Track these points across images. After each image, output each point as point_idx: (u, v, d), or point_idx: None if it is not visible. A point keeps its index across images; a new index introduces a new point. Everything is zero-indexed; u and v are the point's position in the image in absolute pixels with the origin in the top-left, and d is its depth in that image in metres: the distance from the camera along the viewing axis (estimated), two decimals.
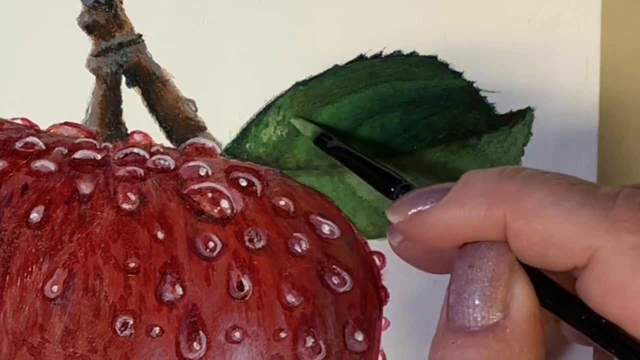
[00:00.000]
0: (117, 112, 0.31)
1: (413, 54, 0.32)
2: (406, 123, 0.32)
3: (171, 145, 0.31)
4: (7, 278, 0.27)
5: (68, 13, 0.30)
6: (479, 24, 0.32)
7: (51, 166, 0.29)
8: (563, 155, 0.33)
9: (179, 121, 0.31)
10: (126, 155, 0.30)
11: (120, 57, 0.31)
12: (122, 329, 0.27)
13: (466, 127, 0.32)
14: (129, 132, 0.31)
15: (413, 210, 0.24)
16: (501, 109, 0.32)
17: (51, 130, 0.30)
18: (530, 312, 0.22)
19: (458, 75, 0.32)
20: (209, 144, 0.31)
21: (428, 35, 0.32)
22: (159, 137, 0.31)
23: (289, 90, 0.31)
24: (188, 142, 0.31)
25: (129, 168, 0.29)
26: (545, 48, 0.32)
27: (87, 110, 0.31)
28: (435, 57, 0.32)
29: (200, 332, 0.28)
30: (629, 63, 0.33)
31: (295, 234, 0.30)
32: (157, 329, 0.27)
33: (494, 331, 0.21)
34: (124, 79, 0.31)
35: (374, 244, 0.32)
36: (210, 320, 0.28)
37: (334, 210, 0.31)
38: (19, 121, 0.30)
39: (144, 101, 0.31)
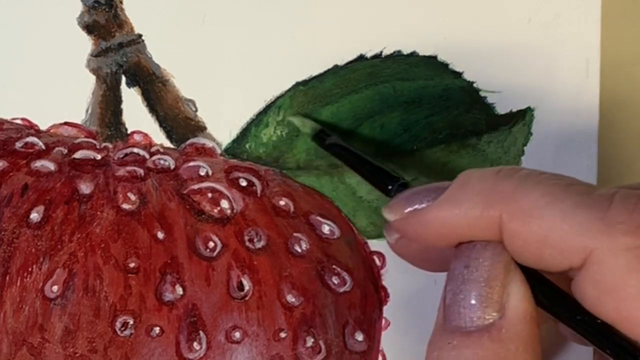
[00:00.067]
0: (117, 112, 0.31)
1: (413, 54, 0.32)
2: (406, 123, 0.32)
3: (171, 145, 0.31)
4: (7, 278, 0.27)
5: (68, 13, 0.30)
6: (479, 24, 0.32)
7: (51, 166, 0.29)
8: (563, 155, 0.33)
9: (179, 121, 0.31)
10: (126, 155, 0.30)
11: (120, 57, 0.31)
12: (122, 329, 0.27)
13: (466, 127, 0.32)
14: (129, 132, 0.31)
15: (409, 209, 0.24)
16: (501, 109, 0.32)
17: (51, 130, 0.30)
18: (526, 312, 0.22)
19: (458, 75, 0.32)
20: (209, 144, 0.31)
21: (428, 35, 0.32)
22: (159, 137, 0.31)
23: (289, 90, 0.31)
24: (188, 142, 0.31)
25: (129, 168, 0.29)
26: (545, 48, 0.32)
27: (87, 110, 0.31)
28: (435, 57, 0.32)
29: (200, 332, 0.28)
30: (629, 63, 0.33)
31: (295, 234, 0.30)
32: (157, 329, 0.27)
33: (489, 331, 0.21)
34: (124, 79, 0.31)
35: (374, 244, 0.32)
36: (210, 320, 0.28)
37: (334, 210, 0.31)
38: (19, 121, 0.30)
39: (144, 101, 0.31)
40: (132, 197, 0.29)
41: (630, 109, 0.33)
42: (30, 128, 0.30)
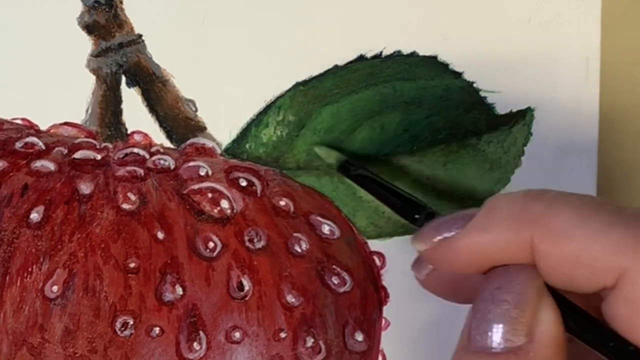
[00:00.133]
0: (117, 112, 0.31)
1: (413, 54, 0.32)
2: (406, 123, 0.32)
3: (171, 145, 0.31)
4: (7, 278, 0.27)
5: (68, 13, 0.30)
6: (479, 24, 0.32)
7: (51, 166, 0.29)
8: (563, 155, 0.33)
9: (179, 121, 0.31)
10: (126, 155, 0.30)
11: (120, 57, 0.31)
12: (122, 329, 0.27)
13: (466, 127, 0.32)
14: (129, 132, 0.31)
15: (439, 237, 0.24)
16: (501, 109, 0.32)
17: (51, 130, 0.30)
18: (555, 339, 0.21)
19: (458, 75, 0.32)
20: (209, 144, 0.31)
21: (428, 35, 0.32)
22: (159, 137, 0.31)
23: (289, 90, 0.31)
24: (188, 142, 0.31)
25: (129, 168, 0.29)
26: (545, 48, 0.32)
27: (87, 110, 0.31)
28: (435, 57, 0.32)
29: (200, 332, 0.27)
30: (629, 63, 0.33)
31: (295, 234, 0.30)
32: (157, 329, 0.27)
33: (517, 354, 0.21)
34: (124, 79, 0.31)
35: (374, 244, 0.32)
36: (210, 320, 0.28)
37: (334, 210, 0.31)
38: (19, 121, 0.30)
39: (144, 101, 0.31)
40: (132, 197, 0.29)
41: (630, 109, 0.33)
42: (30, 128, 0.30)
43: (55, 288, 0.27)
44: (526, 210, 0.22)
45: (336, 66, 0.31)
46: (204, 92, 0.31)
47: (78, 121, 0.31)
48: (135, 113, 0.31)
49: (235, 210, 0.29)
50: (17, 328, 0.27)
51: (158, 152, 0.30)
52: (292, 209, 0.30)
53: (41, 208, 0.28)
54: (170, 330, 0.27)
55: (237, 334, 0.28)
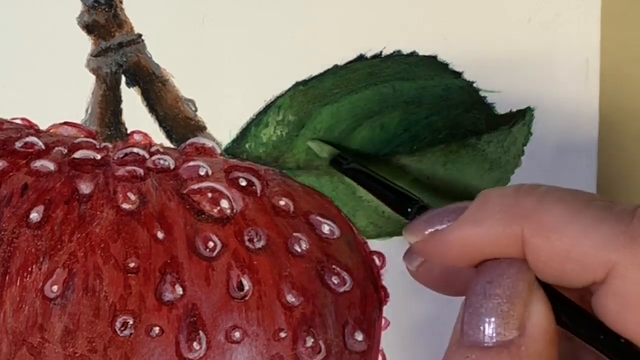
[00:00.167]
0: (117, 112, 0.31)
1: (413, 54, 0.32)
2: (406, 123, 0.32)
3: (171, 145, 0.31)
4: (7, 278, 0.27)
5: (68, 13, 0.30)
6: (479, 24, 0.32)
7: (51, 166, 0.29)
8: (563, 155, 0.33)
9: (179, 121, 0.31)
10: (126, 155, 0.30)
11: (120, 57, 0.31)
12: (122, 329, 0.27)
13: (466, 127, 0.32)
14: (129, 132, 0.31)
15: (430, 230, 0.24)
16: (501, 109, 0.32)
17: (51, 130, 0.30)
18: (547, 332, 0.22)
19: (458, 75, 0.32)
20: (209, 144, 0.31)
21: (428, 35, 0.32)
22: (159, 137, 0.31)
23: (289, 90, 0.31)
24: (188, 142, 0.31)
25: (129, 168, 0.29)
26: (545, 48, 0.32)
27: (87, 110, 0.31)
28: (435, 57, 0.32)
29: (201, 332, 0.27)
30: (629, 63, 0.33)
31: (295, 234, 0.30)
32: (157, 329, 0.27)
33: (509, 348, 0.21)
34: (124, 79, 0.31)
35: (374, 244, 0.32)
36: (210, 320, 0.28)
37: (334, 210, 0.31)
38: (19, 121, 0.30)
39: (144, 101, 0.31)
40: (132, 197, 0.29)
41: (630, 109, 0.33)
42: (30, 128, 0.30)
43: (55, 288, 0.27)
44: (518, 204, 0.22)
45: (336, 66, 0.31)
46: (204, 92, 0.31)
47: (78, 121, 0.31)
48: (135, 113, 0.31)
49: (235, 210, 0.29)
50: (17, 328, 0.27)
51: (158, 152, 0.30)
52: (292, 209, 0.30)
53: (41, 208, 0.28)
54: (170, 330, 0.27)
55: (237, 334, 0.28)
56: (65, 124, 0.31)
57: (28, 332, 0.27)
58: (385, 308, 0.31)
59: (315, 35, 0.31)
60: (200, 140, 0.31)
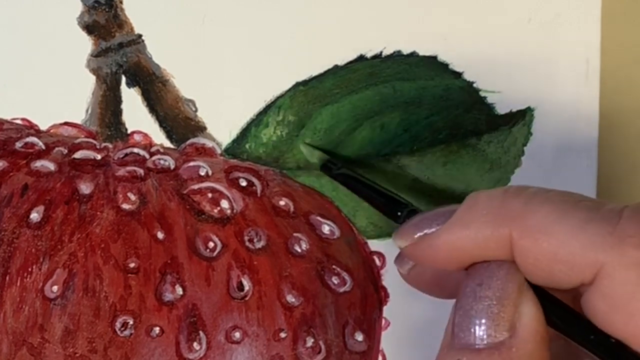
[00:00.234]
0: (117, 112, 0.31)
1: (413, 54, 0.32)
2: (406, 123, 0.32)
3: (171, 145, 0.31)
4: (7, 278, 0.27)
5: (68, 13, 0.30)
6: (479, 24, 0.32)
7: (51, 166, 0.29)
8: (563, 155, 0.33)
9: (179, 121, 0.31)
10: (126, 155, 0.30)
11: (120, 57, 0.31)
12: (122, 329, 0.27)
13: (466, 127, 0.32)
14: (129, 132, 0.31)
15: (419, 234, 0.24)
16: (501, 109, 0.32)
17: (51, 130, 0.30)
18: (537, 332, 0.22)
19: (458, 75, 0.32)
20: (209, 144, 0.31)
21: (428, 35, 0.32)
22: (159, 137, 0.31)
23: (289, 90, 0.31)
24: (188, 142, 0.31)
25: (129, 168, 0.29)
26: (545, 48, 0.32)
27: (87, 110, 0.31)
28: (435, 57, 0.32)
29: (200, 332, 0.27)
30: (629, 63, 0.33)
31: (295, 234, 0.30)
32: (157, 329, 0.27)
33: (499, 349, 0.21)
34: (124, 79, 0.31)
35: (374, 244, 0.32)
36: (210, 320, 0.28)
37: (334, 210, 0.31)
38: (19, 121, 0.30)
39: (144, 101, 0.31)
40: (132, 197, 0.29)
41: (630, 109, 0.33)
42: (30, 128, 0.30)
43: (55, 288, 0.27)
44: (505, 206, 0.22)
45: (336, 66, 0.31)
46: (204, 92, 0.31)
47: (78, 121, 0.31)
48: (135, 113, 0.31)
49: (235, 210, 0.29)
50: (17, 328, 0.27)
51: (158, 152, 0.30)
52: (292, 209, 0.30)
53: (41, 208, 0.28)
54: (170, 330, 0.27)
55: (237, 334, 0.28)
56: (65, 124, 0.31)
57: (28, 332, 0.27)
58: (385, 308, 0.31)
59: (315, 35, 0.31)
60: (200, 140, 0.31)
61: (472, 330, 0.22)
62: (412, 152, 0.32)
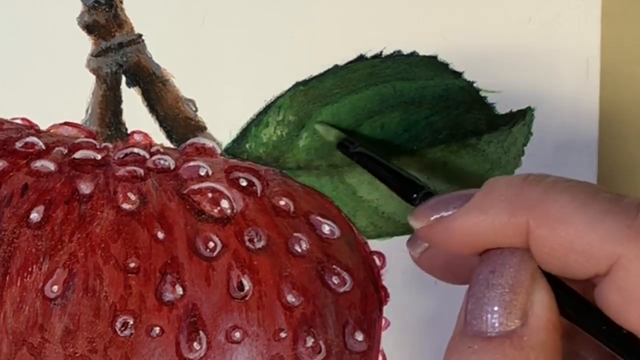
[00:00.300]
0: (117, 112, 0.31)
1: (413, 54, 0.32)
2: (406, 123, 0.32)
3: (171, 145, 0.31)
4: (7, 278, 0.27)
5: (68, 13, 0.30)
6: (479, 24, 0.32)
7: (51, 166, 0.29)
8: (563, 155, 0.33)
9: (179, 121, 0.31)
10: (126, 155, 0.30)
11: (120, 57, 0.31)
12: (122, 329, 0.27)
13: (466, 127, 0.32)
14: (129, 132, 0.31)
15: (435, 216, 0.24)
16: (501, 109, 0.32)
17: (51, 130, 0.30)
18: (549, 322, 0.21)
19: (458, 75, 0.32)
20: (209, 144, 0.31)
21: (428, 35, 0.32)
22: (159, 137, 0.31)
23: (289, 90, 0.31)
24: (188, 142, 0.31)
25: (129, 168, 0.29)
26: (545, 48, 0.32)
27: (87, 110, 0.31)
28: (435, 57, 0.32)
29: (201, 332, 0.27)
30: (629, 63, 0.33)
31: (295, 234, 0.30)
32: (157, 329, 0.27)
33: (511, 338, 0.21)
34: (124, 79, 0.31)
35: (374, 244, 0.32)
36: (210, 320, 0.28)
37: (334, 210, 0.31)
38: (19, 121, 0.30)
39: (144, 101, 0.31)
40: (132, 197, 0.29)
41: (630, 109, 0.33)
42: (30, 128, 0.30)
43: (55, 288, 0.27)
44: (524, 194, 0.22)
45: (336, 66, 0.31)
46: (204, 92, 0.31)
47: (78, 121, 0.31)
48: (135, 113, 0.31)
49: (235, 210, 0.29)
50: (17, 328, 0.27)
51: (158, 152, 0.30)
52: (292, 209, 0.30)
53: (41, 208, 0.28)
54: (170, 330, 0.27)
55: (237, 334, 0.28)
56: (65, 124, 0.31)
57: (28, 332, 0.27)
58: (385, 308, 0.31)
59: (315, 35, 0.31)
60: (200, 140, 0.31)
61: (484, 318, 0.22)
62: (412, 152, 0.32)
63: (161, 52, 0.31)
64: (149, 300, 0.27)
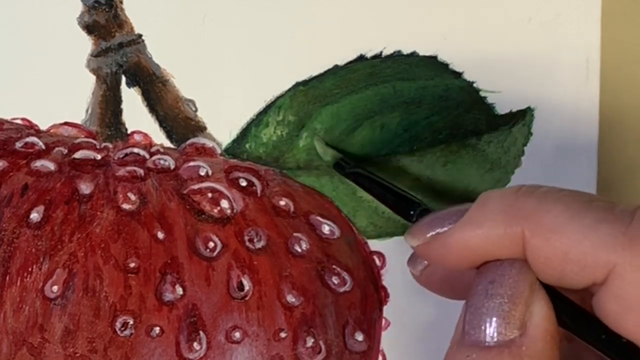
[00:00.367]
0: (117, 112, 0.31)
1: (413, 54, 0.32)
2: (406, 123, 0.32)
3: (171, 145, 0.31)
4: (7, 278, 0.27)
5: (68, 13, 0.30)
6: (479, 24, 0.32)
7: (51, 166, 0.29)
8: (563, 155, 0.33)
9: (179, 121, 0.31)
10: (126, 155, 0.30)
11: (120, 57, 0.31)
12: (122, 329, 0.27)
13: (466, 127, 0.32)
14: (129, 132, 0.31)
15: (431, 233, 0.24)
16: (501, 109, 0.32)
17: (51, 130, 0.30)
18: (547, 332, 0.22)
19: (458, 75, 0.32)
20: (209, 144, 0.31)
21: (428, 35, 0.32)
22: (159, 137, 0.31)
23: (289, 90, 0.31)
24: (188, 142, 0.31)
25: (129, 168, 0.29)
26: (545, 48, 0.32)
27: (87, 110, 0.31)
28: (435, 57, 0.32)
29: (201, 332, 0.27)
30: (629, 63, 0.33)
31: (295, 234, 0.30)
32: (157, 329, 0.27)
33: (509, 348, 0.21)
34: (124, 79, 0.31)
35: (374, 244, 0.32)
36: (210, 320, 0.28)
37: (334, 210, 0.31)
38: (19, 121, 0.30)
39: (144, 101, 0.31)
40: (132, 197, 0.29)
41: (630, 109, 0.33)
42: (30, 128, 0.30)
43: (55, 288, 0.27)
44: (518, 205, 0.22)
45: (336, 66, 0.31)
46: (204, 92, 0.31)
47: (78, 121, 0.31)
48: (135, 113, 0.31)
49: (235, 210, 0.29)
50: (17, 328, 0.27)
51: (158, 152, 0.30)
52: (292, 209, 0.30)
53: (41, 208, 0.28)
54: (170, 330, 0.27)
55: (237, 334, 0.28)
56: (65, 124, 0.31)
57: (28, 332, 0.27)
58: (385, 308, 0.31)
59: (315, 35, 0.31)
60: (200, 140, 0.31)
61: (483, 327, 0.22)
62: (412, 152, 0.32)
63: (161, 52, 0.31)
64: (149, 300, 0.27)
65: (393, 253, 0.31)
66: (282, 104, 0.31)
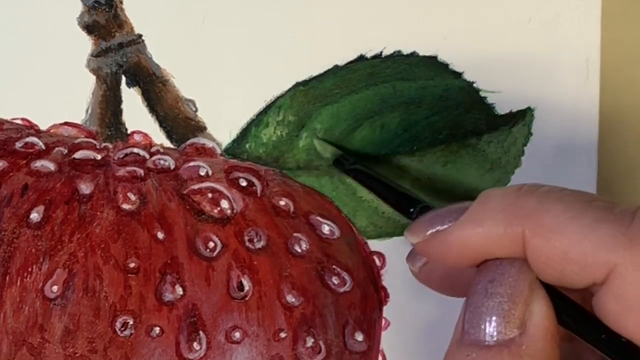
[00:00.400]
0: (117, 112, 0.31)
1: (413, 54, 0.32)
2: (406, 123, 0.32)
3: (171, 145, 0.31)
4: (7, 278, 0.27)
5: (68, 13, 0.30)
6: (479, 24, 0.32)
7: (51, 166, 0.29)
8: (563, 155, 0.33)
9: (179, 121, 0.31)
10: (126, 155, 0.30)
11: (120, 57, 0.31)
12: (122, 329, 0.27)
13: (466, 127, 0.32)
14: (129, 132, 0.31)
15: (431, 230, 0.24)
16: (501, 109, 0.32)
17: (51, 130, 0.30)
18: (547, 331, 0.22)
19: (458, 75, 0.32)
20: (209, 144, 0.31)
21: (428, 35, 0.32)
22: (159, 137, 0.31)
23: (289, 90, 0.31)
24: (188, 142, 0.31)
25: (129, 168, 0.29)
26: (545, 48, 0.32)
27: (87, 110, 0.31)
28: (435, 57, 0.32)
29: (200, 332, 0.27)
30: (629, 63, 0.33)
31: (295, 234, 0.30)
32: (157, 329, 0.27)
33: (509, 347, 0.21)
34: (124, 79, 0.31)
35: (374, 244, 0.32)
36: (210, 320, 0.28)
37: (334, 210, 0.31)
38: (19, 121, 0.30)
39: (144, 101, 0.31)
40: (132, 197, 0.29)
41: (630, 109, 0.33)
42: (30, 128, 0.30)
43: (55, 288, 0.27)
44: (518, 204, 0.22)
45: (336, 66, 0.31)
46: (204, 92, 0.31)
47: (78, 121, 0.31)
48: (135, 113, 0.31)
49: (235, 210, 0.29)
50: (17, 328, 0.27)
51: (158, 152, 0.30)
52: (292, 209, 0.30)
53: (41, 208, 0.28)
54: (170, 330, 0.27)
55: (237, 334, 0.28)
56: (65, 124, 0.31)
57: (28, 332, 0.27)
58: (385, 308, 0.31)
59: (315, 35, 0.31)
60: (200, 140, 0.31)
61: (482, 326, 0.22)
62: (412, 152, 0.32)
63: (161, 52, 0.31)
64: (149, 300, 0.27)
65: (393, 253, 0.31)
66: (282, 104, 0.31)
